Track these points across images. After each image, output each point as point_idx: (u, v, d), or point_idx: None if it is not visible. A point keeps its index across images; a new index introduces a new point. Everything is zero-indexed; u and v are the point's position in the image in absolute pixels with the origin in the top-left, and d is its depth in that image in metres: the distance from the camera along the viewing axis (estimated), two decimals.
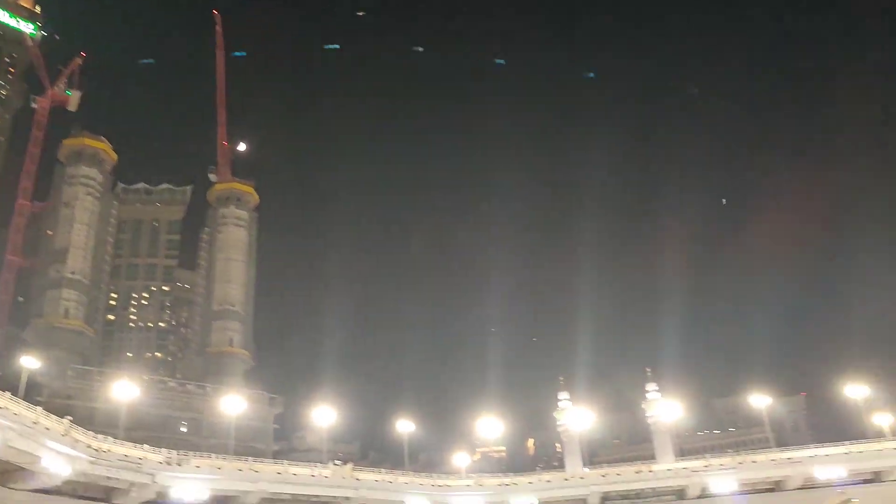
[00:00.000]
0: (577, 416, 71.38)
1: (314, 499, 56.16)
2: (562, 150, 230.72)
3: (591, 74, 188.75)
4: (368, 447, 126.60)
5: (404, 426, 69.06)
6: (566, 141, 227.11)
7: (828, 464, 59.24)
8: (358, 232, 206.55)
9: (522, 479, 63.99)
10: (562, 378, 76.93)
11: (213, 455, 55.68)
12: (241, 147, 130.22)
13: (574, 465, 69.11)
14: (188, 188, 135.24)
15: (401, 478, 61.53)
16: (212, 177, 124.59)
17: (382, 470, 64.97)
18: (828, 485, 59.10)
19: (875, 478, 59.42)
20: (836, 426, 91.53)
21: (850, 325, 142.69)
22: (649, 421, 75.72)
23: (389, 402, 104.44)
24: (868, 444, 60.37)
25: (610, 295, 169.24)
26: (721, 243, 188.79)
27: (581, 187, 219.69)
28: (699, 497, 60.63)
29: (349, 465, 60.28)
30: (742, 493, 60.21)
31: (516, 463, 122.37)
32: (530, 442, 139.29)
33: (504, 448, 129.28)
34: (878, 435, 62.50)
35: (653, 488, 61.98)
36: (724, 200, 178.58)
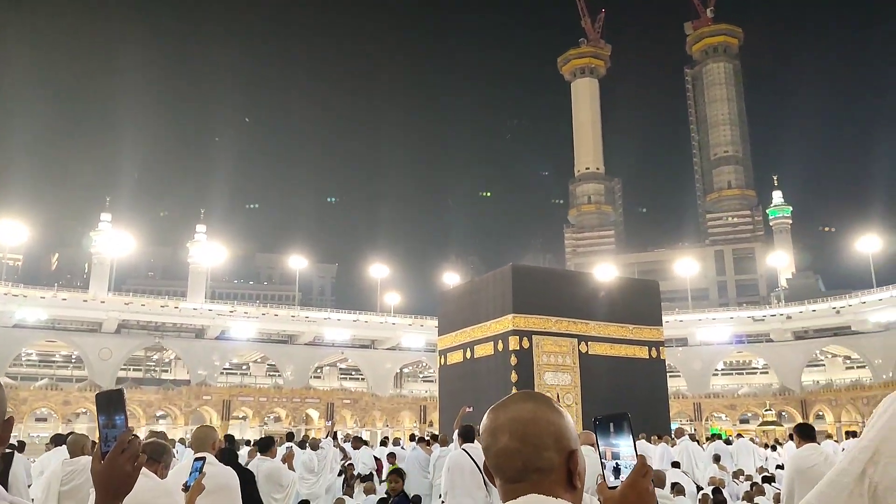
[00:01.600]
0: (114, 240, 67.78)
1: None
2: None
3: None
4: None
5: None
6: None
7: (337, 327, 66.85)
8: None
9: (34, 293, 59.00)
10: (108, 198, 72.08)
11: None
12: None
13: (99, 289, 66.03)
14: None
15: None
16: None
17: None
18: (332, 344, 67.02)
19: (370, 345, 69.08)
20: (355, 296, 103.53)
21: (378, 219, 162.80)
22: (189, 260, 75.98)
23: None
24: (371, 316, 69.52)
25: (164, 129, 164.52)
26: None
27: None
28: (217, 338, 63.43)
29: None
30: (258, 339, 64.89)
31: (33, 276, 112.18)
32: (54, 256, 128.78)
33: (21, 257, 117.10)
34: (384, 310, 72.30)
35: (175, 323, 62.86)
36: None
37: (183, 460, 5.82)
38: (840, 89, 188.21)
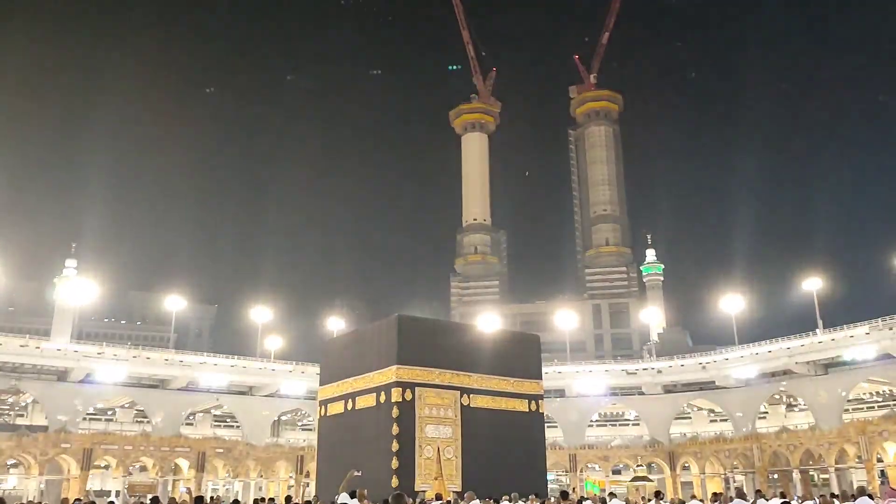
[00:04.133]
0: None
1: None
2: None
3: None
4: None
5: None
6: None
7: (214, 371, 64.31)
8: None
9: None
10: None
11: None
12: None
13: None
14: None
15: None
16: None
17: None
18: (207, 390, 64.35)
19: (248, 391, 66.80)
20: (234, 339, 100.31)
21: (262, 261, 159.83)
22: (55, 297, 71.56)
23: None
24: (250, 361, 67.42)
25: (32, 153, 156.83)
26: None
27: None
28: (81, 381, 59.60)
29: None
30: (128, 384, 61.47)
31: None
32: None
33: None
34: (265, 355, 70.26)
35: (35, 364, 58.66)
36: None
37: None
38: (705, 154, 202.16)
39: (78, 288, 69.96)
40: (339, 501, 9.49)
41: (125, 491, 53.80)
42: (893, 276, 58.33)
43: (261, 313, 72.86)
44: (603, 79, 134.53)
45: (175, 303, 72.26)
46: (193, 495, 17.73)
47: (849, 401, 59.74)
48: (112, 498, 48.14)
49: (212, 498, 18.42)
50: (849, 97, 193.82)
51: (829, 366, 59.71)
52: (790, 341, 60.92)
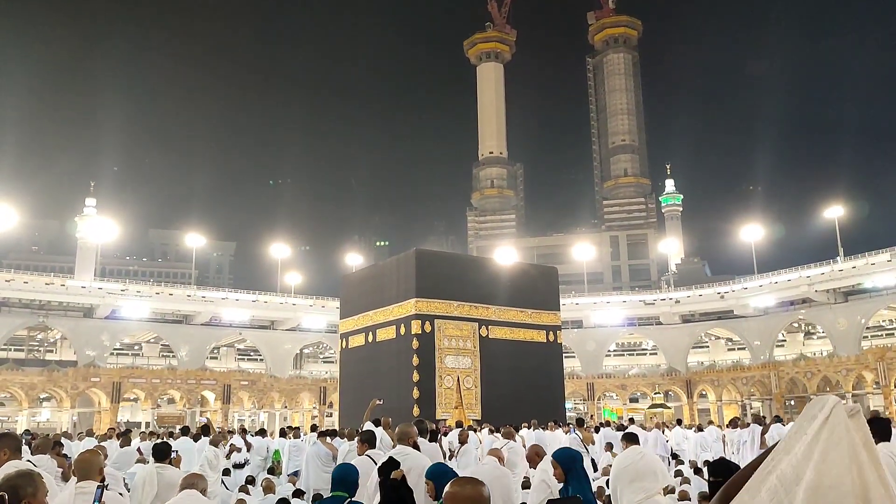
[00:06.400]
0: None
1: None
2: None
3: None
4: None
5: None
6: None
7: (236, 307, 65.27)
8: None
9: None
10: None
11: None
12: None
13: None
14: None
15: None
16: None
17: None
18: (230, 325, 65.42)
19: (270, 325, 67.88)
20: (254, 275, 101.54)
21: (279, 198, 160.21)
22: (77, 235, 72.42)
23: None
24: (271, 297, 68.29)
25: (49, 95, 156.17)
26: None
27: None
28: (107, 318, 60.80)
29: None
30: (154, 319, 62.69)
31: None
32: None
33: None
34: (284, 290, 71.11)
35: (61, 302, 59.82)
36: None
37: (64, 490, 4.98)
38: (724, 82, 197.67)
39: (99, 226, 70.62)
40: (364, 429, 9.75)
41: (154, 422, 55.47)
42: None
43: (279, 249, 73.42)
44: (622, 5, 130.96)
45: (195, 240, 72.88)
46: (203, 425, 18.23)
47: (868, 328, 59.72)
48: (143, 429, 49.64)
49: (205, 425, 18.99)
50: (874, 21, 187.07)
51: (850, 293, 59.53)
52: (810, 269, 60.64)
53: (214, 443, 13.58)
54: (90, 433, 23.15)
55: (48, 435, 15.87)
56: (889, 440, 5.62)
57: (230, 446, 16.49)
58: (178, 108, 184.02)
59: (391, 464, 5.85)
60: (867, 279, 56.89)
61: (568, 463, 5.95)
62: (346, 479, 5.62)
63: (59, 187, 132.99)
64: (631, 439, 7.99)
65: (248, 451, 17.19)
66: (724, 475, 5.64)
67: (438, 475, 5.41)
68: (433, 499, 5.42)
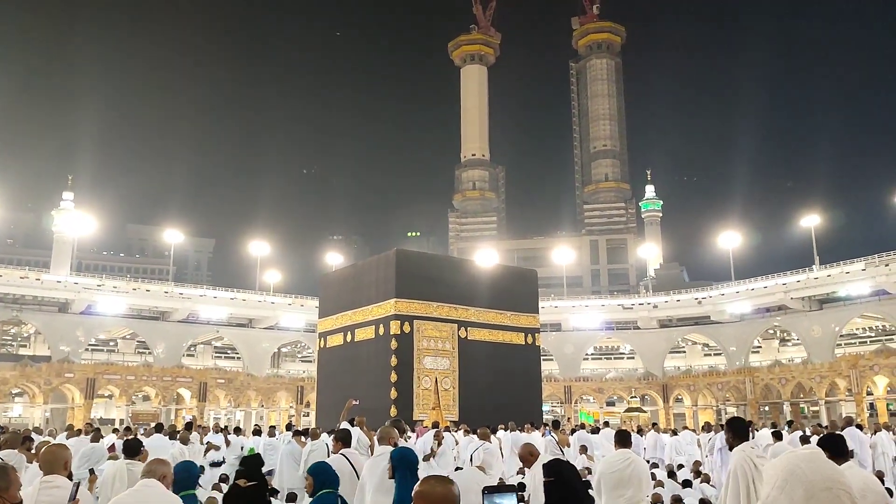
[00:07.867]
0: None
1: None
2: None
3: None
4: None
5: None
6: None
7: (213, 305, 64.76)
8: None
9: None
10: None
11: None
12: None
13: None
14: None
15: None
16: None
17: None
18: (207, 322, 64.85)
19: (248, 324, 67.42)
20: (233, 272, 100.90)
21: (259, 195, 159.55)
22: (54, 229, 71.50)
23: None
24: (249, 295, 67.86)
25: (25, 84, 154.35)
26: None
27: None
28: (83, 313, 60.08)
29: None
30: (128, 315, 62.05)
31: None
32: None
33: None
34: (263, 288, 70.69)
35: (35, 296, 59.04)
36: None
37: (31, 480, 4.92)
38: (705, 91, 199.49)
39: (76, 220, 69.80)
40: (340, 429, 9.72)
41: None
42: (890, 214, 58.41)
43: (259, 247, 72.95)
44: (606, 11, 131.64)
45: (173, 236, 72.25)
46: (186, 423, 18.15)
47: (841, 336, 60.48)
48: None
49: (189, 423, 18.87)
50: (849, 34, 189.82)
51: (825, 301, 60.28)
52: (786, 277, 61.34)
53: (183, 440, 13.45)
54: (70, 429, 22.65)
55: (18, 431, 15.62)
56: (747, 439, 5.70)
57: (207, 444, 16.37)
58: (158, 102, 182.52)
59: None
60: (842, 287, 57.63)
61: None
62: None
63: (36, 180, 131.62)
64: (622, 441, 7.45)
65: (228, 447, 17.08)
66: (557, 475, 5.68)
67: (318, 472, 5.53)
68: (310, 495, 5.50)
